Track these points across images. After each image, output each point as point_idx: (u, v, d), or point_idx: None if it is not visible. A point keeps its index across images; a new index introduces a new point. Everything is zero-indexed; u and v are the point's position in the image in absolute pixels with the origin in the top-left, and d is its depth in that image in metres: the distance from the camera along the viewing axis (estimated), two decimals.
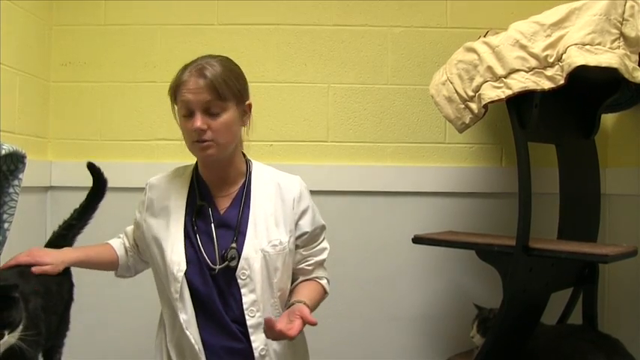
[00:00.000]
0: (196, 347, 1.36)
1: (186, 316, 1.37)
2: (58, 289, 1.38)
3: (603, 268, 2.01)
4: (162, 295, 1.45)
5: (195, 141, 1.37)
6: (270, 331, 1.26)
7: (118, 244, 1.58)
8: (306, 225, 1.48)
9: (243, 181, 1.48)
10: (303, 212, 1.48)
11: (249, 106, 1.45)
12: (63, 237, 1.52)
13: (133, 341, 2.08)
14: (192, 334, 1.37)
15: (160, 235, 1.43)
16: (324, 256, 1.54)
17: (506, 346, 1.77)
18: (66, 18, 2.23)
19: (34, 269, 1.34)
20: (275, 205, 1.45)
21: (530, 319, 1.81)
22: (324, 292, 1.53)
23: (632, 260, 1.70)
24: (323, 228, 1.54)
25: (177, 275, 1.37)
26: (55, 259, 1.40)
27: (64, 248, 1.48)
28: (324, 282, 1.54)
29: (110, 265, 1.56)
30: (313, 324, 1.28)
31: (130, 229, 1.58)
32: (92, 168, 1.57)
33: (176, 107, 1.41)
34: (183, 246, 1.40)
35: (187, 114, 1.37)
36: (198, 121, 1.34)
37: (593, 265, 1.91)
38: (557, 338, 1.80)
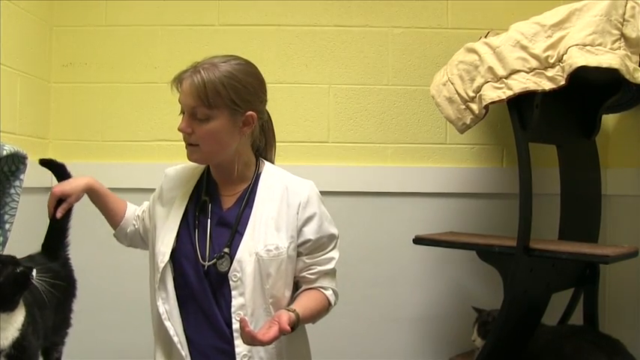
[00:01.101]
0: (175, 339, 1.34)
1: (169, 306, 1.36)
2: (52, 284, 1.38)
3: (604, 268, 2.01)
4: (151, 287, 1.44)
5: (185, 141, 1.39)
6: (242, 332, 1.22)
7: (132, 209, 1.60)
8: (310, 232, 1.41)
9: (250, 181, 1.45)
10: (309, 219, 1.42)
11: (252, 117, 1.38)
12: (57, 237, 1.52)
13: (134, 342, 2.08)
14: (174, 326, 1.35)
15: (158, 223, 1.43)
16: (330, 266, 1.45)
17: (507, 347, 1.77)
18: (67, 19, 2.24)
19: (60, 210, 1.45)
20: (279, 209, 1.41)
21: (531, 319, 1.81)
22: (328, 303, 1.44)
23: (633, 261, 1.70)
24: (332, 237, 1.46)
25: (159, 265, 1.37)
26: (73, 187, 1.47)
27: (87, 177, 1.52)
28: (328, 292, 1.45)
29: (115, 218, 1.57)
30: (285, 332, 1.23)
31: (146, 203, 1.58)
32: (50, 164, 1.55)
33: None
34: (174, 238, 1.39)
35: (183, 113, 1.38)
36: (183, 124, 1.36)
37: (593, 266, 1.91)
38: (558, 339, 1.80)
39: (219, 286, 1.36)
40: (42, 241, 1.51)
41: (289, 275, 1.41)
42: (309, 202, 1.42)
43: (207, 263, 1.37)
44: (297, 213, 1.41)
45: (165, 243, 1.39)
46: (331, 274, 1.47)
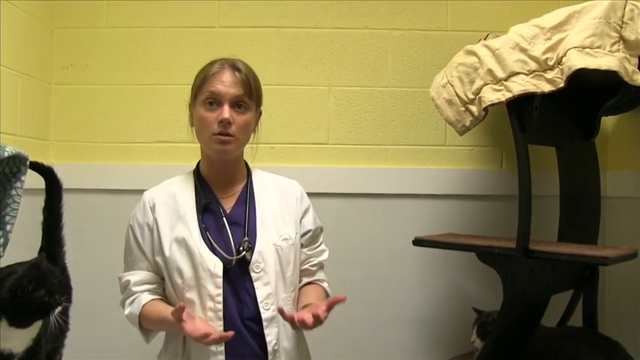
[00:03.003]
0: (220, 347, 1.35)
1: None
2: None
3: (603, 270, 2.01)
4: (183, 297, 1.38)
5: (217, 134, 1.37)
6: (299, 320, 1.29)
7: (150, 295, 1.42)
8: (309, 223, 1.52)
9: (245, 182, 1.50)
10: (306, 211, 1.53)
11: (260, 113, 1.49)
12: (54, 243, 1.52)
13: (134, 342, 2.09)
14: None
15: (184, 235, 1.39)
16: (324, 257, 1.57)
17: (506, 348, 1.77)
18: (67, 20, 2.24)
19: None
20: (279, 204, 1.48)
21: (530, 321, 1.82)
22: (327, 296, 1.55)
23: (632, 262, 1.70)
24: (322, 229, 1.57)
25: (214, 271, 1.35)
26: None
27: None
28: (325, 285, 1.56)
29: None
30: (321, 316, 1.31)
31: (135, 278, 1.43)
32: (37, 167, 1.50)
33: (197, 100, 1.41)
34: (205, 244, 1.38)
35: (214, 105, 1.38)
36: (227, 113, 1.36)
37: (593, 267, 1.92)
38: (557, 340, 1.80)
39: (241, 281, 1.39)
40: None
41: (298, 265, 1.49)
42: (303, 196, 1.53)
43: (234, 258, 1.38)
44: (296, 206, 1.49)
45: (204, 250, 1.37)
46: (323, 266, 1.58)
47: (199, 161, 1.53)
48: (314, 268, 1.54)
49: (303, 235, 1.50)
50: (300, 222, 1.50)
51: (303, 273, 1.52)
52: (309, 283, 1.53)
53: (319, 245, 1.57)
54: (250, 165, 1.56)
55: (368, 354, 2.21)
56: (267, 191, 1.49)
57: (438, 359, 2.17)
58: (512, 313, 1.69)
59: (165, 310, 1.35)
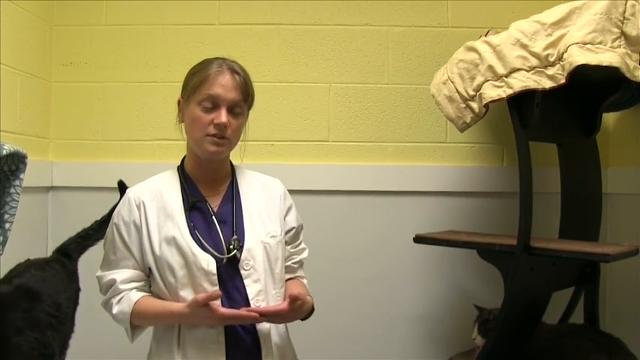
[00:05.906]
0: (221, 344, 1.36)
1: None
2: (68, 298, 1.42)
3: (605, 267, 2.01)
4: (177, 296, 1.38)
5: (212, 135, 1.38)
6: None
7: (139, 293, 1.41)
8: (292, 221, 1.54)
9: (229, 180, 1.51)
10: (289, 209, 1.55)
11: (247, 116, 1.49)
12: (77, 244, 1.55)
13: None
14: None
15: (174, 233, 1.38)
16: (305, 255, 1.59)
17: (507, 346, 1.77)
18: (67, 18, 2.24)
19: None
20: (265, 202, 1.49)
21: (531, 318, 1.81)
22: (307, 293, 1.55)
23: (634, 259, 1.69)
24: (302, 227, 1.59)
25: (208, 269, 1.35)
26: None
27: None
28: (305, 282, 1.59)
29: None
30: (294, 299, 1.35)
31: (121, 276, 1.41)
32: (122, 186, 1.60)
33: (191, 98, 1.40)
34: (195, 242, 1.38)
35: (211, 107, 1.38)
36: (225, 117, 1.37)
37: (594, 265, 1.91)
38: (558, 338, 1.80)
39: (230, 279, 1.39)
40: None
41: (284, 261, 1.50)
42: (286, 195, 1.55)
43: (225, 256, 1.39)
44: (280, 204, 1.51)
45: (196, 247, 1.37)
46: (303, 264, 1.60)
47: (184, 158, 1.52)
48: (295, 266, 1.56)
49: (287, 233, 1.52)
50: (284, 219, 1.52)
51: (286, 269, 1.53)
52: (290, 279, 1.55)
53: (300, 243, 1.58)
54: (238, 163, 1.56)
55: (369, 351, 2.21)
56: (252, 189, 1.50)
57: (439, 357, 2.17)
58: (513, 310, 1.69)
59: (164, 305, 1.37)
